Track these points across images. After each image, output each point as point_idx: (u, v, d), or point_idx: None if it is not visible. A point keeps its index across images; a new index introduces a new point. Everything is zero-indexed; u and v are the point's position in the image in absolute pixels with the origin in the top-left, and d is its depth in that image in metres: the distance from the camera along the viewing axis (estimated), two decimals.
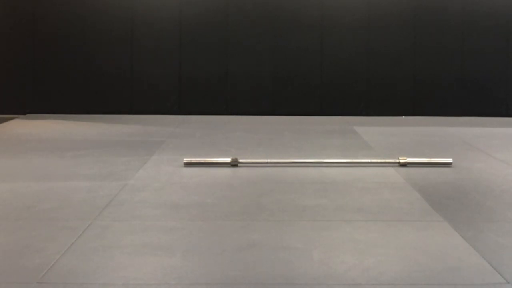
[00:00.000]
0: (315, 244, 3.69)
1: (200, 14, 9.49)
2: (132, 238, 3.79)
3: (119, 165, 5.82)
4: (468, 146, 7.05)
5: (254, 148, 6.81)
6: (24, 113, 9.32)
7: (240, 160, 5.86)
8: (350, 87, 9.64)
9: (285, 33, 9.52)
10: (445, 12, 9.57)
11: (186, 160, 5.88)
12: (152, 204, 4.53)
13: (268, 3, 9.51)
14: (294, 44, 9.56)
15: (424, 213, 4.37)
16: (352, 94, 9.65)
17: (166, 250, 3.58)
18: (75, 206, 4.46)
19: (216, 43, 9.52)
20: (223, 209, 4.45)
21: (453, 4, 9.57)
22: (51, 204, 4.53)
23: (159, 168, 5.72)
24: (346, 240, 3.77)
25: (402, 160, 5.88)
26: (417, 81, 9.63)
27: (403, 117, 9.47)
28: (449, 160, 5.95)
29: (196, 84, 9.54)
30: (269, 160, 5.98)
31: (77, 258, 3.44)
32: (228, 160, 5.86)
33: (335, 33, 9.57)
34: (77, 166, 5.78)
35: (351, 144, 7.08)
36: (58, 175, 5.45)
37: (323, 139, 7.42)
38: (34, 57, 9.46)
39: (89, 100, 9.50)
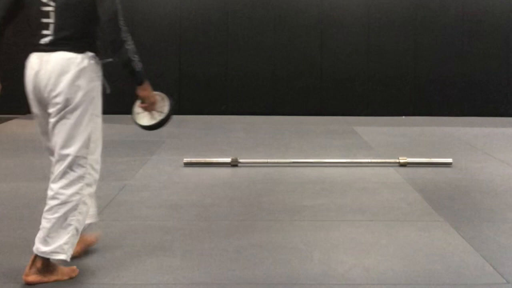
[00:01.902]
0: (315, 244, 3.69)
1: (200, 14, 9.49)
2: (132, 238, 3.79)
3: (119, 165, 5.82)
4: (468, 146, 7.05)
5: (254, 148, 6.80)
6: (24, 113, 9.31)
7: (240, 160, 5.86)
8: (350, 87, 9.63)
9: (285, 33, 9.53)
10: (445, 12, 9.57)
11: (186, 160, 5.88)
12: (152, 204, 4.53)
13: (268, 3, 9.51)
14: (294, 44, 9.56)
15: (424, 213, 4.37)
16: (352, 94, 9.65)
17: (166, 250, 3.57)
18: None
19: (216, 43, 9.52)
20: (223, 209, 4.44)
21: (453, 4, 9.56)
22: None
23: (159, 168, 5.72)
24: (346, 240, 3.77)
25: (402, 160, 5.88)
26: (417, 81, 9.63)
27: (403, 117, 9.47)
28: (449, 160, 5.95)
29: (196, 84, 9.54)
30: (269, 160, 5.98)
31: (77, 258, 3.44)
32: (228, 160, 5.85)
33: (335, 33, 9.57)
34: None
35: (351, 144, 7.07)
36: None
37: (323, 139, 7.42)
38: None
39: None
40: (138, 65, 3.14)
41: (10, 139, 7.40)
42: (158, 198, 4.71)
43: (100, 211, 4.33)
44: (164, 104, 3.31)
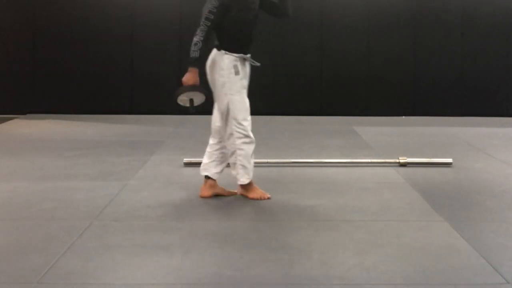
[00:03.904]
0: (315, 244, 3.69)
1: (200, 13, 9.48)
2: (132, 238, 3.79)
3: (119, 165, 5.82)
4: (468, 146, 7.05)
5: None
6: (24, 113, 9.32)
7: None
8: (350, 87, 9.63)
9: (285, 33, 9.53)
10: (445, 12, 9.57)
11: (186, 160, 5.88)
12: (152, 204, 4.53)
13: None
14: (294, 44, 9.56)
15: (424, 213, 4.37)
16: (352, 94, 9.65)
17: (166, 250, 3.58)
18: (75, 206, 4.46)
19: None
20: (223, 209, 4.44)
21: (453, 4, 9.57)
22: (51, 204, 4.53)
23: (159, 168, 5.72)
24: (346, 240, 3.77)
25: (402, 160, 5.88)
26: (417, 81, 9.63)
27: (403, 117, 9.47)
28: (449, 160, 5.95)
29: None
30: (269, 160, 5.97)
31: (77, 258, 3.44)
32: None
33: (335, 33, 9.57)
34: (77, 166, 5.79)
35: (351, 144, 7.07)
36: (58, 175, 5.45)
37: (323, 139, 7.42)
38: (34, 57, 9.46)
39: (89, 100, 9.50)
40: (192, 53, 4.28)
41: (10, 139, 7.40)
42: (158, 198, 4.71)
43: (100, 211, 4.35)
44: (199, 99, 4.43)
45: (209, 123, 4.73)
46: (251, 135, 4.54)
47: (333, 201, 4.67)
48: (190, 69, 4.31)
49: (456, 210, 4.47)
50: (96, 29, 9.48)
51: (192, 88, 4.32)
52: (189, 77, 4.32)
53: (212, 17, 4.31)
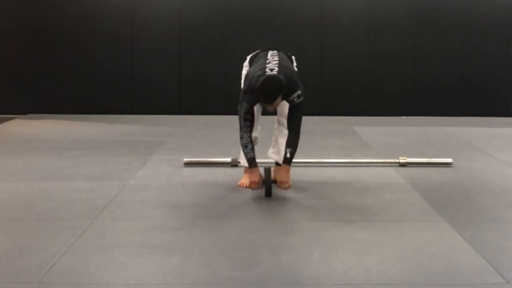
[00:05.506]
0: (315, 244, 3.70)
1: (200, 14, 9.49)
2: (132, 238, 3.79)
3: (119, 165, 5.82)
4: (468, 146, 7.05)
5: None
6: (24, 113, 9.32)
7: (240, 160, 5.84)
8: (350, 87, 9.63)
9: (285, 33, 9.52)
10: (445, 12, 9.57)
11: (186, 160, 5.88)
12: (152, 204, 4.53)
13: (269, 3, 9.51)
14: (294, 44, 9.55)
15: (424, 213, 4.37)
16: (352, 94, 9.65)
17: (166, 250, 3.58)
18: (75, 206, 4.47)
19: (216, 43, 9.52)
20: (223, 209, 4.44)
21: (453, 5, 9.57)
22: (51, 204, 4.53)
23: (159, 168, 5.72)
24: (346, 240, 3.77)
25: (402, 160, 5.88)
26: (417, 81, 9.63)
27: (403, 117, 9.47)
28: (449, 160, 5.95)
29: (196, 84, 9.54)
30: (269, 160, 5.95)
31: (77, 258, 3.45)
32: (228, 160, 5.85)
33: (335, 33, 9.57)
34: (77, 166, 5.78)
35: (351, 144, 7.07)
36: (58, 175, 5.45)
37: (323, 139, 7.42)
38: (34, 57, 9.46)
39: (89, 100, 9.50)
40: (247, 155, 4.65)
41: (10, 139, 7.40)
42: (158, 198, 4.71)
43: (100, 211, 4.35)
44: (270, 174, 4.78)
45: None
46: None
47: (333, 201, 4.67)
48: (251, 169, 4.67)
49: (456, 210, 4.47)
50: (96, 30, 9.47)
51: (266, 178, 4.70)
52: (254, 177, 4.65)
53: (249, 117, 4.69)
